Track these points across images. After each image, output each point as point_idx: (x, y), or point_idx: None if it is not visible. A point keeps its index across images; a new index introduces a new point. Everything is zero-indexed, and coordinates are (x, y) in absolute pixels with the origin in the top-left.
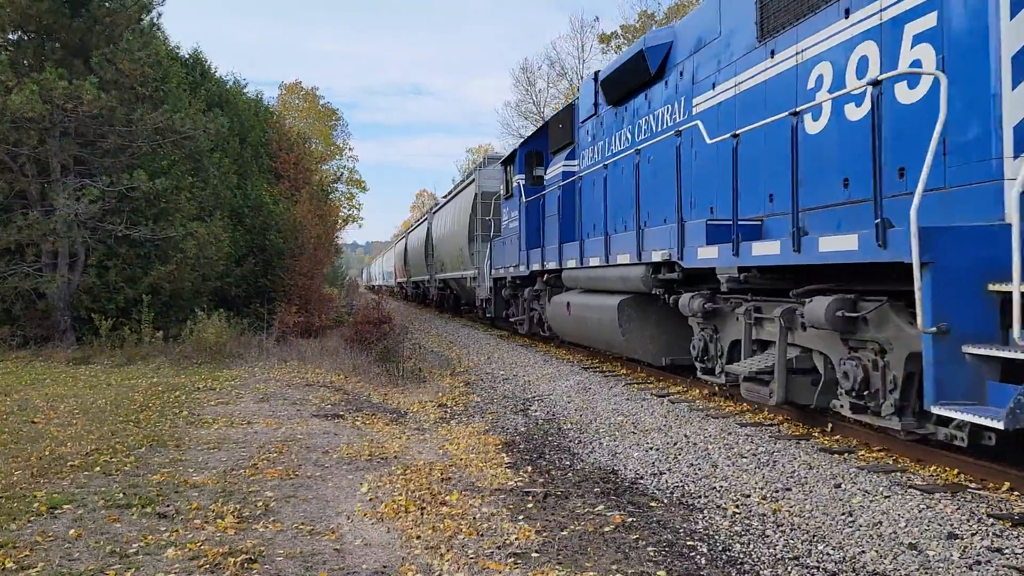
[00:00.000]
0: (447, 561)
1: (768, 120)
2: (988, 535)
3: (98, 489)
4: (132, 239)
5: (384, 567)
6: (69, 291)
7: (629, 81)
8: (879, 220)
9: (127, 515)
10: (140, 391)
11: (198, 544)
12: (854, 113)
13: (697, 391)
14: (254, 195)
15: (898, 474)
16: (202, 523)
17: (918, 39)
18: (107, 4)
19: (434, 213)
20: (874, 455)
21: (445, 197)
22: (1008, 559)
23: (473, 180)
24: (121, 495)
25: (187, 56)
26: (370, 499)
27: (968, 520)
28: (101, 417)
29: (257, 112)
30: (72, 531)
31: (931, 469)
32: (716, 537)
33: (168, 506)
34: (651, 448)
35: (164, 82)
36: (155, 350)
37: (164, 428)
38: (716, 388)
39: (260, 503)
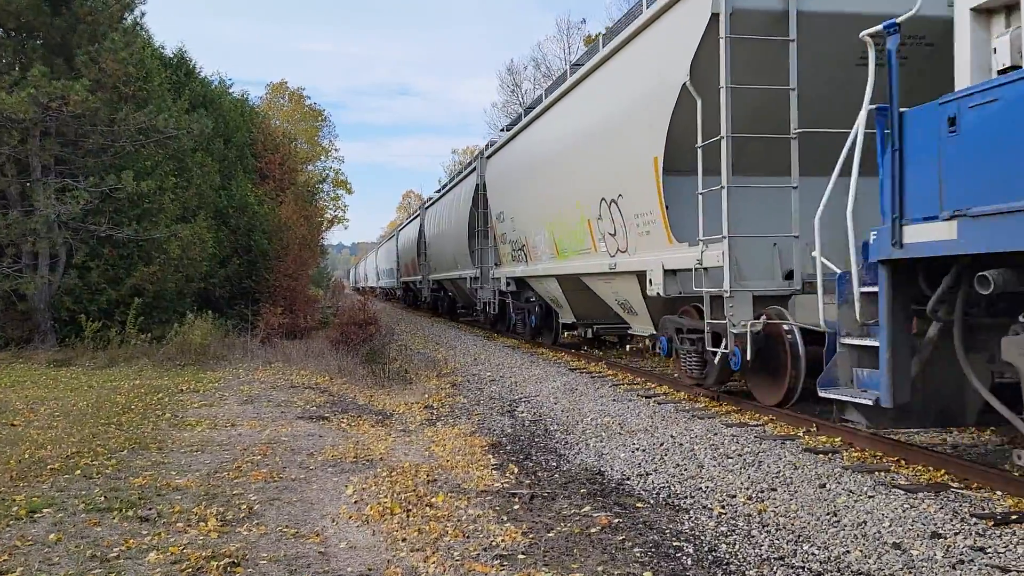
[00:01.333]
0: (433, 563)
1: None
2: (971, 534)
3: (78, 492)
4: (115, 240)
5: (369, 570)
6: (50, 292)
7: None
8: None
9: (108, 519)
10: (122, 393)
11: (180, 548)
12: None
13: (683, 392)
14: (238, 195)
15: (882, 474)
16: (185, 526)
17: None
18: (89, 2)
19: (485, 158)
20: (858, 455)
21: (527, 113)
22: (991, 558)
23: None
24: (102, 498)
25: (171, 56)
26: (355, 501)
27: (951, 519)
28: (82, 419)
29: (242, 112)
30: (52, 535)
31: (914, 468)
32: (702, 538)
33: (150, 509)
34: (637, 449)
35: (147, 81)
36: (138, 352)
37: (146, 430)
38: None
39: (244, 506)
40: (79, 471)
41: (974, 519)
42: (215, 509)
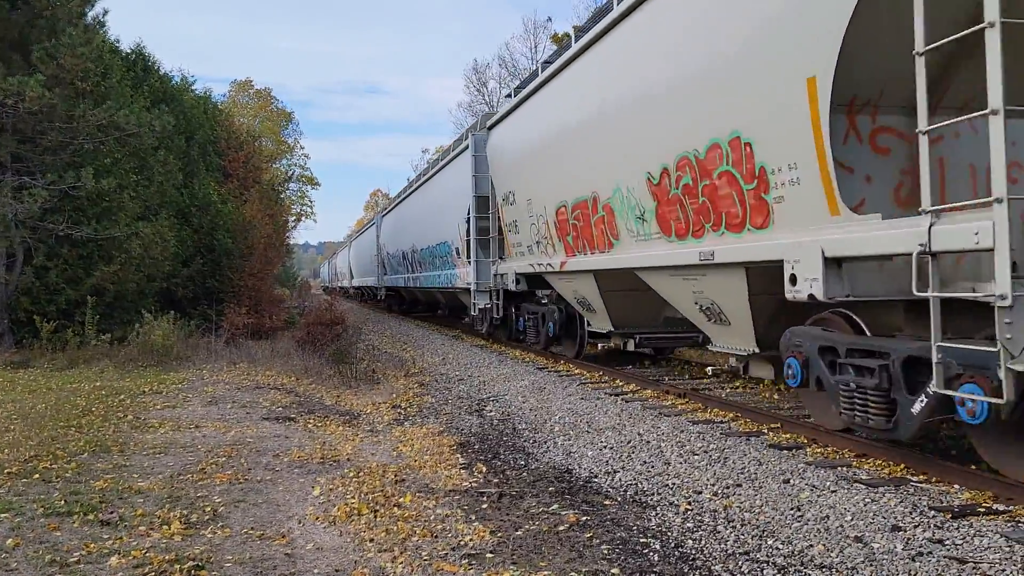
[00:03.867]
0: (401, 563)
1: None
2: (930, 527)
3: (37, 497)
4: (74, 239)
5: (336, 571)
6: (7, 293)
7: None
8: None
9: (68, 523)
10: (82, 395)
11: (143, 551)
12: None
13: (650, 391)
14: (201, 194)
15: (844, 469)
16: (147, 530)
17: None
18: None
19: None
20: (821, 451)
21: None
22: (949, 550)
23: None
24: (62, 502)
25: (129, 51)
26: (322, 502)
27: (911, 513)
28: (41, 422)
29: (205, 110)
30: (10, 540)
31: (875, 463)
32: (669, 534)
33: (111, 513)
34: (605, 447)
35: (105, 77)
36: (99, 353)
37: (107, 433)
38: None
39: (208, 508)
40: (38, 475)
41: (933, 512)
42: (179, 512)
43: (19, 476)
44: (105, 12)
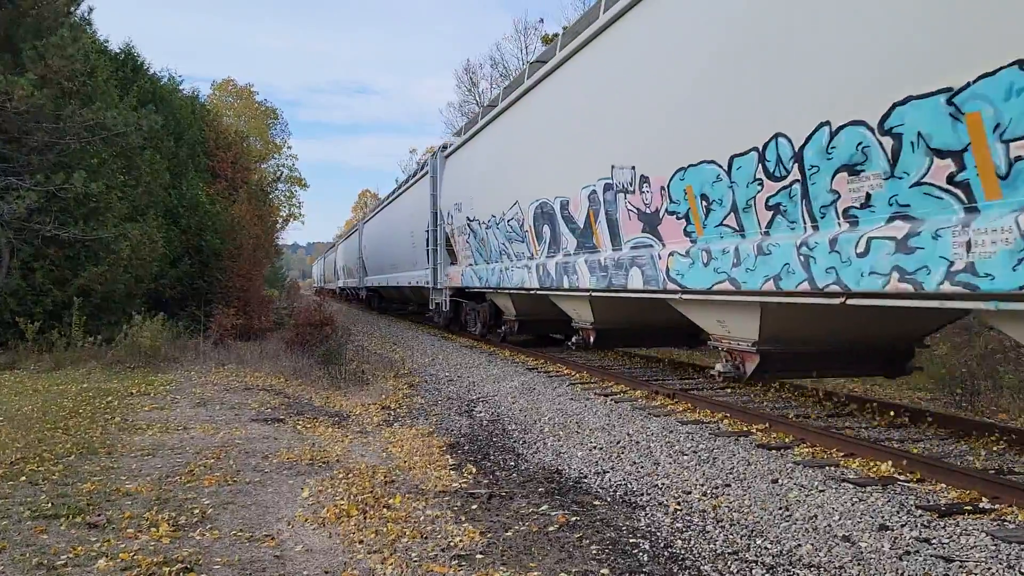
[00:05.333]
0: (390, 565)
1: None
2: (917, 526)
3: (24, 499)
4: (61, 240)
5: (326, 572)
6: None
7: None
8: None
9: (55, 526)
10: (69, 397)
11: (131, 554)
12: None
13: (639, 391)
14: (189, 195)
15: (832, 468)
16: (135, 532)
17: None
18: None
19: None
20: (809, 450)
21: None
22: (936, 549)
23: None
24: (49, 505)
25: (118, 51)
26: (311, 504)
27: (898, 512)
28: (27, 424)
29: (193, 110)
30: None
31: (863, 463)
32: (658, 534)
33: (99, 515)
34: (595, 447)
35: (91, 76)
36: (86, 355)
37: (95, 435)
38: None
39: (197, 510)
40: (24, 477)
41: (920, 511)
42: (167, 514)
43: (5, 479)
44: (90, 10)
